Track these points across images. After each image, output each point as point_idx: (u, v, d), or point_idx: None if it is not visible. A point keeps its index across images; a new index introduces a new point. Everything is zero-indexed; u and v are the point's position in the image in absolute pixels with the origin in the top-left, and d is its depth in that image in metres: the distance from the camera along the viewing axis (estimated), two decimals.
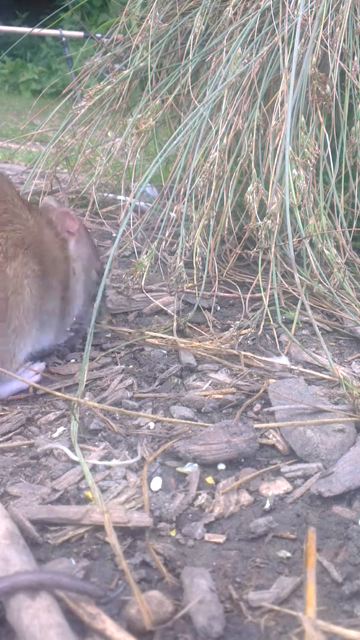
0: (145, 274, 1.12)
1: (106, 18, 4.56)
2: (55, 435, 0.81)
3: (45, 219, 0.92)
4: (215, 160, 1.19)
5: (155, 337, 1.06)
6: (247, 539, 0.65)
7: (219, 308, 1.22)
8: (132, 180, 1.37)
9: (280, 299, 1.16)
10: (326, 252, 1.20)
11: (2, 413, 0.86)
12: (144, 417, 0.85)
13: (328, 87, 1.18)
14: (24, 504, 0.67)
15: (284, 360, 1.01)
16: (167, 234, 1.28)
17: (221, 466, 0.75)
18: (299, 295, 1.10)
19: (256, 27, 1.25)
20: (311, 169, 1.17)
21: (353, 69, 1.23)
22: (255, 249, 1.18)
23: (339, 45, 1.20)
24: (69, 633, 0.49)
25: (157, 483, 0.72)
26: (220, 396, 0.90)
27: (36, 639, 0.48)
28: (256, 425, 0.82)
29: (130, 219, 1.37)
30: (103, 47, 1.62)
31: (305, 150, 1.15)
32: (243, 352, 1.02)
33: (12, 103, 5.04)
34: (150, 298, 1.22)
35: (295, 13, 1.18)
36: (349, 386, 0.87)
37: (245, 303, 1.20)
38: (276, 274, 1.14)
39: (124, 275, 1.15)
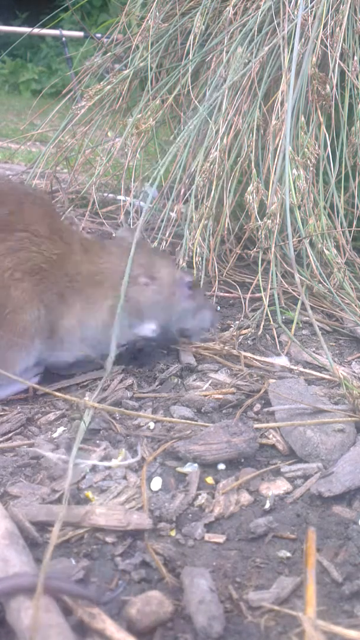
0: None
1: (106, 18, 4.56)
2: (55, 435, 0.81)
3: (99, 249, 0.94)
4: (215, 160, 1.19)
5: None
6: (247, 539, 0.65)
7: (219, 308, 1.22)
8: (132, 180, 1.37)
9: (280, 299, 1.16)
10: (326, 252, 1.20)
11: (2, 413, 0.86)
12: (144, 417, 0.85)
13: (328, 87, 1.18)
14: (24, 504, 0.67)
15: (283, 360, 1.01)
16: (167, 234, 1.28)
17: (221, 466, 0.75)
18: (299, 295, 1.10)
19: (256, 27, 1.25)
20: (311, 169, 1.17)
21: (353, 69, 1.23)
22: (255, 249, 1.18)
23: (339, 45, 1.20)
24: (69, 633, 0.49)
25: (157, 483, 0.72)
26: (220, 396, 0.90)
27: (36, 639, 0.48)
28: (256, 425, 0.81)
29: (130, 219, 1.37)
30: (103, 47, 1.62)
31: (305, 150, 1.15)
32: (243, 352, 1.02)
33: (12, 103, 5.04)
34: None
35: (295, 13, 1.18)
36: (349, 386, 0.87)
37: (245, 303, 1.20)
38: (276, 274, 1.14)
39: None
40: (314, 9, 1.20)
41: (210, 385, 0.94)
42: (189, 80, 1.32)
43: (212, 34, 1.38)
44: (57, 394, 0.83)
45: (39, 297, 0.86)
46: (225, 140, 1.21)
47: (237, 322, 1.14)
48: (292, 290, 1.21)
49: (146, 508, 0.67)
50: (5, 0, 5.76)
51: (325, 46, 1.21)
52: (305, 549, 0.62)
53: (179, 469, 0.75)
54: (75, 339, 0.92)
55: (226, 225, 1.22)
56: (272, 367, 0.99)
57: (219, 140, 1.20)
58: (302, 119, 1.18)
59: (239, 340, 1.07)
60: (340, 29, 1.20)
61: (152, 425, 0.83)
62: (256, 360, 1.01)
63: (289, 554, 0.63)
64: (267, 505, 0.69)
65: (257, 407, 0.88)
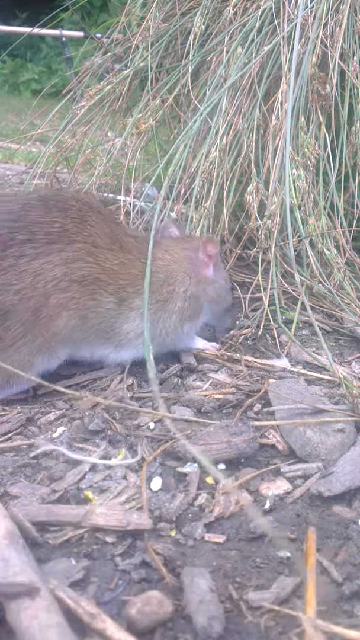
0: None
1: (106, 18, 4.56)
2: (55, 435, 0.81)
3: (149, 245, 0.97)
4: (215, 160, 1.19)
5: None
6: (247, 539, 0.65)
7: None
8: (132, 180, 1.37)
9: (280, 299, 1.16)
10: (326, 252, 1.20)
11: (2, 413, 0.86)
12: (146, 412, 0.85)
13: (328, 87, 1.18)
14: (24, 504, 0.67)
15: (284, 362, 1.01)
16: None
17: (221, 466, 0.75)
18: (299, 295, 1.10)
19: (256, 27, 1.25)
20: (311, 169, 1.17)
21: (353, 69, 1.23)
22: (255, 249, 1.18)
23: (339, 45, 1.20)
24: (69, 633, 0.49)
25: (157, 483, 0.72)
26: (220, 396, 0.90)
27: (36, 639, 0.48)
28: (256, 425, 0.81)
29: (130, 219, 1.37)
30: (103, 47, 1.62)
31: (305, 150, 1.15)
32: (243, 356, 1.02)
33: (12, 103, 5.04)
34: None
35: (295, 13, 1.18)
36: (349, 386, 0.87)
37: (245, 303, 1.20)
38: (276, 274, 1.14)
39: None
40: (314, 9, 1.20)
41: (210, 385, 0.94)
42: (189, 80, 1.32)
43: (212, 34, 1.38)
44: (62, 389, 0.83)
45: (81, 307, 0.88)
46: (225, 140, 1.21)
47: (237, 322, 1.14)
48: (292, 290, 1.21)
49: (146, 508, 0.67)
50: (5, 0, 5.76)
51: (325, 46, 1.21)
52: (305, 548, 0.62)
53: (179, 469, 0.75)
54: (138, 342, 0.94)
55: (226, 225, 1.22)
56: (272, 367, 0.99)
57: (219, 140, 1.20)
58: (302, 119, 1.18)
59: (239, 340, 1.07)
60: (340, 29, 1.21)
61: (152, 425, 0.83)
62: (256, 362, 1.01)
63: (289, 554, 0.63)
64: (267, 505, 0.69)
65: (257, 407, 0.88)
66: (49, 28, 2.53)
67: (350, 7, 1.22)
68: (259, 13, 1.25)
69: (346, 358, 1.06)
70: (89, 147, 1.54)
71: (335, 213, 1.26)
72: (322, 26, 1.19)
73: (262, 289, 1.16)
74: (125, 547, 0.63)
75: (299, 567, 0.61)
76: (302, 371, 0.98)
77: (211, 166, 1.19)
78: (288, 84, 1.12)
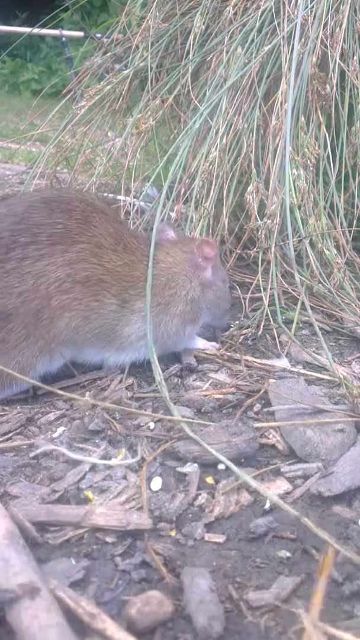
0: None
1: (106, 18, 4.56)
2: (55, 435, 0.81)
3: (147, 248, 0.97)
4: (215, 160, 1.19)
5: None
6: (247, 539, 0.65)
7: None
8: (132, 180, 1.37)
9: (280, 299, 1.16)
10: (326, 252, 1.20)
11: (2, 413, 0.86)
12: (146, 415, 0.85)
13: (328, 87, 1.18)
14: (24, 504, 0.67)
15: (284, 362, 1.01)
16: None
17: (221, 466, 0.75)
18: (299, 295, 1.10)
19: (256, 27, 1.25)
20: (311, 169, 1.17)
21: (353, 69, 1.23)
22: (255, 249, 1.18)
23: (339, 45, 1.20)
24: (69, 633, 0.49)
25: (157, 483, 0.72)
26: (220, 396, 0.90)
27: (36, 639, 0.48)
28: (256, 425, 0.82)
29: (130, 219, 1.37)
30: (103, 47, 1.62)
31: (305, 150, 1.15)
32: (243, 356, 1.02)
33: (12, 103, 5.04)
34: None
35: (295, 13, 1.18)
36: (349, 386, 0.87)
37: (245, 303, 1.20)
38: (276, 274, 1.14)
39: None
40: (314, 9, 1.20)
41: (210, 385, 0.94)
42: (189, 80, 1.32)
43: (212, 34, 1.38)
44: (60, 391, 0.83)
45: (83, 309, 0.88)
46: (225, 140, 1.21)
47: (237, 322, 1.14)
48: (292, 290, 1.21)
49: (146, 508, 0.67)
50: (5, 0, 5.77)
51: (325, 46, 1.21)
52: (322, 560, 0.60)
53: (179, 469, 0.75)
54: (140, 345, 0.94)
55: (226, 225, 1.22)
56: (272, 366, 0.99)
57: (218, 140, 1.20)
58: (302, 119, 1.18)
59: (239, 340, 1.07)
60: (340, 29, 1.21)
61: (152, 425, 0.83)
62: (256, 362, 1.01)
63: (289, 554, 0.63)
64: (267, 505, 0.69)
65: (257, 407, 0.88)
66: (49, 28, 2.54)
67: (350, 7, 1.22)
68: (259, 13, 1.25)
69: (346, 358, 1.06)
70: (89, 147, 1.54)
71: (335, 213, 1.26)
72: (322, 26, 1.19)
73: (262, 289, 1.16)
74: (125, 547, 0.63)
75: (299, 567, 0.61)
76: (302, 371, 0.98)
77: (211, 166, 1.19)
78: (288, 84, 1.12)
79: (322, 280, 1.20)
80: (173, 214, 1.25)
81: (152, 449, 0.78)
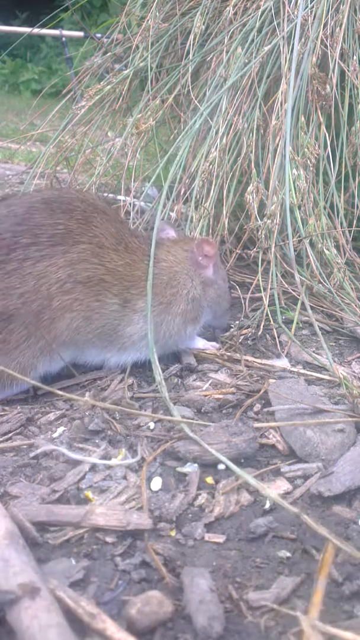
0: None
1: (106, 18, 4.56)
2: (55, 435, 0.81)
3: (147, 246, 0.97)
4: (215, 160, 1.19)
5: None
6: (247, 539, 0.65)
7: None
8: (132, 180, 1.37)
9: (280, 299, 1.16)
10: (326, 252, 1.20)
11: (2, 413, 0.86)
12: (146, 415, 0.85)
13: (328, 87, 1.18)
14: (24, 504, 0.67)
15: (284, 362, 1.01)
16: None
17: (221, 466, 0.75)
18: (299, 295, 1.10)
19: (256, 27, 1.25)
20: (311, 169, 1.17)
21: (353, 69, 1.23)
22: (255, 249, 1.18)
23: (339, 45, 1.20)
24: (69, 633, 0.49)
25: (157, 483, 0.72)
26: (220, 396, 0.90)
27: (36, 639, 0.48)
28: (256, 425, 0.82)
29: (130, 219, 1.37)
30: (103, 47, 1.62)
31: (305, 150, 1.15)
32: (243, 356, 1.02)
33: (12, 103, 5.04)
34: None
35: (295, 13, 1.18)
36: (349, 386, 0.87)
37: (245, 303, 1.20)
38: (276, 274, 1.14)
39: None
40: (313, 9, 1.21)
41: (210, 385, 0.94)
42: (189, 80, 1.32)
43: (212, 34, 1.38)
44: (60, 392, 0.83)
45: (85, 309, 0.88)
46: (225, 140, 1.21)
47: (237, 322, 1.14)
48: (292, 290, 1.21)
49: (146, 508, 0.67)
50: (5, 0, 5.77)
51: (325, 46, 1.21)
52: (322, 558, 0.60)
53: (179, 469, 0.75)
54: (141, 345, 0.94)
55: (226, 225, 1.22)
56: (272, 366, 0.99)
57: (218, 140, 1.20)
58: (302, 119, 1.18)
59: (239, 340, 1.07)
60: (340, 29, 1.21)
61: (152, 425, 0.83)
62: (256, 362, 1.01)
63: (289, 554, 0.63)
64: (267, 505, 0.69)
65: (257, 407, 0.88)
66: (49, 28, 2.54)
67: (350, 7, 1.22)
68: (259, 13, 1.25)
69: (346, 358, 1.06)
70: (89, 147, 1.54)
71: (335, 213, 1.26)
72: (322, 26, 1.19)
73: (262, 289, 1.16)
74: (125, 547, 0.63)
75: (299, 567, 0.61)
76: (302, 371, 0.98)
77: (211, 166, 1.19)
78: (288, 84, 1.12)
79: (322, 280, 1.20)
80: (173, 214, 1.25)
81: (152, 449, 0.78)
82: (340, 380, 0.91)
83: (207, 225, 1.21)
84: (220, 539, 0.65)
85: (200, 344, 1.03)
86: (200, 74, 1.42)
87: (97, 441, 0.79)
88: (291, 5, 1.22)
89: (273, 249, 1.12)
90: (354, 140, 1.24)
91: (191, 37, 1.34)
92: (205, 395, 0.90)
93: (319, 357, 1.00)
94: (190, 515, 0.68)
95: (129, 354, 0.95)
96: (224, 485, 0.72)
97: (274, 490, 0.71)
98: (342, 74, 1.24)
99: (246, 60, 1.24)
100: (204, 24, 1.34)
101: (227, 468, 0.75)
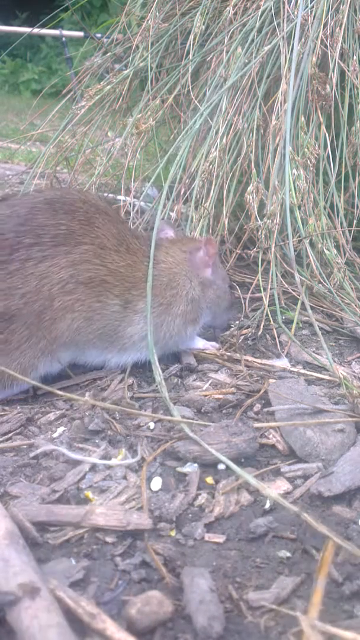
0: None
1: (106, 18, 4.56)
2: (55, 435, 0.81)
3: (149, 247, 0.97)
4: (215, 160, 1.19)
5: None
6: (247, 539, 0.65)
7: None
8: (132, 180, 1.37)
9: (280, 299, 1.16)
10: (326, 252, 1.20)
11: (2, 413, 0.86)
12: (146, 415, 0.85)
13: (328, 87, 1.18)
14: (24, 504, 0.67)
15: (284, 362, 1.01)
16: None
17: (221, 466, 0.75)
18: (299, 295, 1.10)
19: (256, 27, 1.25)
20: (311, 169, 1.17)
21: (353, 69, 1.23)
22: (255, 249, 1.18)
23: (339, 45, 1.20)
24: (69, 633, 0.49)
25: (157, 483, 0.72)
26: (220, 396, 0.90)
27: (36, 639, 0.48)
28: (256, 425, 0.82)
29: (130, 219, 1.37)
30: (103, 47, 1.62)
31: (305, 150, 1.15)
32: (243, 356, 1.02)
33: (12, 103, 5.04)
34: None
35: (295, 13, 1.18)
36: (349, 386, 0.87)
37: (245, 303, 1.20)
38: (276, 274, 1.14)
39: None
40: (313, 9, 1.21)
41: (210, 385, 0.94)
42: (189, 80, 1.32)
43: (212, 34, 1.38)
44: (60, 392, 0.83)
45: (86, 310, 0.88)
46: (225, 140, 1.21)
47: (237, 322, 1.14)
48: (292, 290, 1.21)
49: (146, 508, 0.67)
50: (5, 0, 5.77)
51: (325, 46, 1.21)
52: (322, 557, 0.60)
53: (179, 469, 0.75)
54: (142, 345, 0.94)
55: (226, 225, 1.22)
56: (272, 366, 0.99)
57: (218, 140, 1.20)
58: (302, 119, 1.18)
59: (239, 340, 1.07)
60: (340, 29, 1.21)
61: (152, 425, 0.83)
62: (256, 362, 1.01)
63: (289, 554, 0.63)
64: (267, 505, 0.69)
65: (257, 407, 0.88)
66: (49, 28, 2.54)
67: (350, 7, 1.22)
68: (259, 13, 1.25)
69: (346, 358, 1.06)
70: (89, 147, 1.54)
71: (335, 213, 1.26)
72: (322, 26, 1.19)
73: (262, 289, 1.16)
74: (125, 547, 0.63)
75: (299, 567, 0.61)
76: (302, 371, 0.98)
77: (211, 166, 1.19)
78: (288, 84, 1.12)
79: (322, 280, 1.20)
80: (173, 214, 1.25)
81: (152, 449, 0.78)
82: (340, 380, 0.91)
83: (207, 225, 1.21)
84: (220, 539, 0.65)
85: (200, 344, 1.03)
86: (200, 74, 1.42)
87: (97, 441, 0.79)
88: (291, 5, 1.22)
89: (273, 249, 1.12)
90: (354, 140, 1.24)
91: (191, 37, 1.34)
92: (205, 395, 0.90)
93: (319, 357, 1.00)
94: (190, 515, 0.68)
95: (130, 354, 0.95)
96: (224, 485, 0.72)
97: (274, 490, 0.71)
98: (342, 74, 1.24)
99: (246, 60, 1.24)
100: (204, 24, 1.34)
101: (227, 468, 0.75)
